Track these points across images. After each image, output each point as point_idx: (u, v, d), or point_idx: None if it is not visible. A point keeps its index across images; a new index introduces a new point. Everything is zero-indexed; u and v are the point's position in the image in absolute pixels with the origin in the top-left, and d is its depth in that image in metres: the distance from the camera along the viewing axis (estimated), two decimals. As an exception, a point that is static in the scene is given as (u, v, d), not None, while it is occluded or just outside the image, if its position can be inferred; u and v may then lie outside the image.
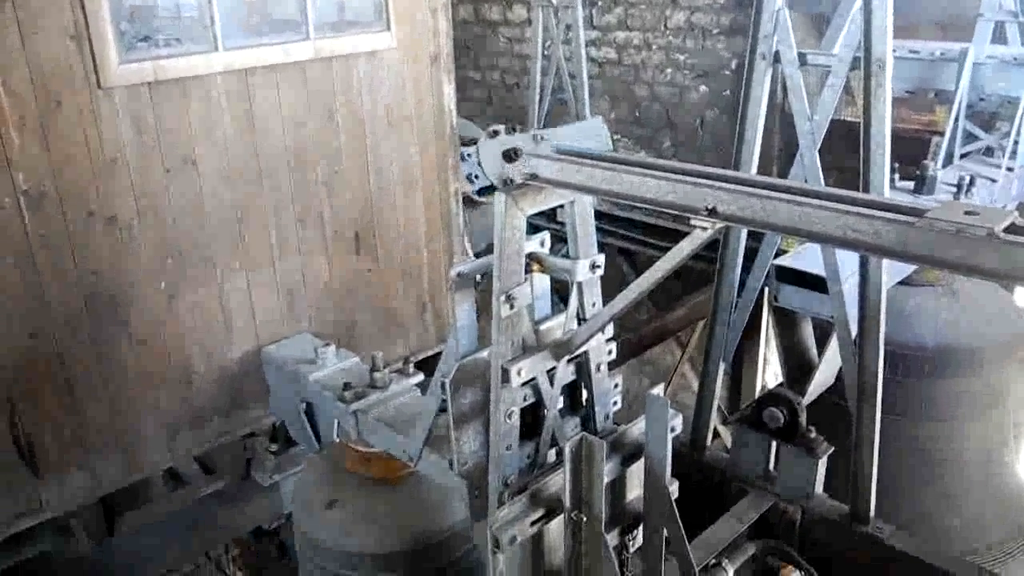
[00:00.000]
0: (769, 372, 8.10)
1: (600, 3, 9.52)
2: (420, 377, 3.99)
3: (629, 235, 8.33)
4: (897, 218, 1.99)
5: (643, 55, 9.33)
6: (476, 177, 2.48)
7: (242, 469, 4.92)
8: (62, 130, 3.73)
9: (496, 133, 2.59)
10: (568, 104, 8.60)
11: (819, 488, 4.38)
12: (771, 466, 4.60)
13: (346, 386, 3.82)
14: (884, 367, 4.10)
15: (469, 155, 2.51)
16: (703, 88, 8.92)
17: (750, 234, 4.58)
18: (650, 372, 9.70)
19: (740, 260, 4.53)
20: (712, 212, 2.28)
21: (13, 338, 3.77)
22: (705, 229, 2.30)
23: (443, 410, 3.14)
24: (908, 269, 5.32)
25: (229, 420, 4.60)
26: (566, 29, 8.29)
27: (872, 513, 4.23)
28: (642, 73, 9.41)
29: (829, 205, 2.12)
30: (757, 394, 7.35)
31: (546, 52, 8.61)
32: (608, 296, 2.93)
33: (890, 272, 4.06)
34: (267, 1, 4.75)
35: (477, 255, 5.49)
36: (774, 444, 4.54)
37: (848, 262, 4.29)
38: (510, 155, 2.53)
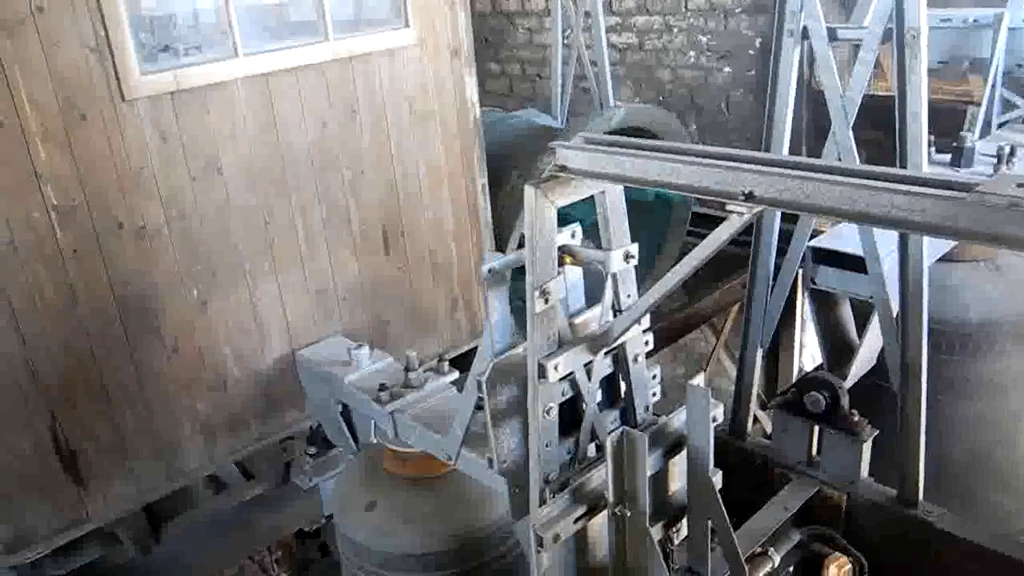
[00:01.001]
0: (806, 356, 7.98)
1: (619, -12, 9.43)
2: (455, 375, 3.95)
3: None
4: (945, 194, 1.92)
5: (665, 39, 9.22)
6: None
7: (281, 473, 4.92)
8: (88, 143, 3.74)
9: None
10: (591, 92, 8.51)
11: (864, 472, 4.29)
12: (814, 451, 4.51)
13: (382, 387, 3.80)
14: (927, 345, 4.00)
15: None
16: (727, 69, 8.80)
17: (783, 216, 4.49)
18: (684, 359, 9.61)
19: (775, 243, 4.44)
20: (749, 196, 2.22)
21: (51, 350, 3.79)
22: (742, 214, 2.23)
23: (480, 408, 3.10)
24: (948, 245, 5.20)
25: (266, 424, 4.61)
26: (585, 16, 8.19)
27: (920, 496, 4.14)
28: (664, 57, 9.30)
29: (871, 184, 2.06)
30: (795, 378, 7.25)
31: (566, 41, 8.52)
32: (639, 286, 2.89)
33: (930, 248, 3.96)
34: (284, 5, 4.74)
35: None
36: (816, 429, 4.45)
37: (887, 240, 4.20)
38: None
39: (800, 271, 4.75)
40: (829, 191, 2.11)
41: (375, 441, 4.09)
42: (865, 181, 2.08)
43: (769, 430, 5.70)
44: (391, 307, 4.98)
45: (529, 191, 2.46)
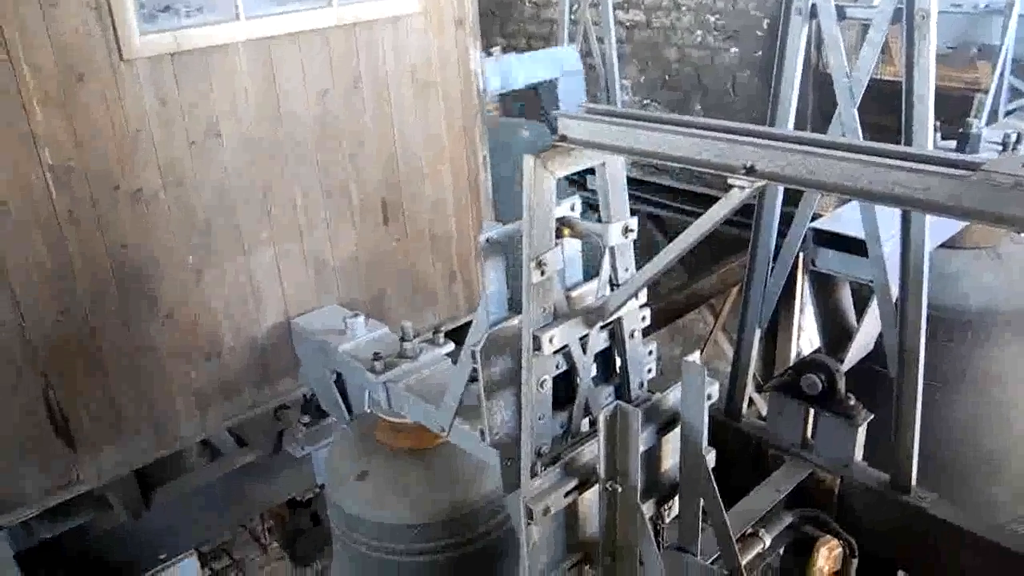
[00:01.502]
0: (804, 338, 7.97)
1: (628, -35, 9.34)
2: (451, 347, 3.93)
3: (659, 200, 8.20)
4: (950, 172, 1.89)
5: (672, 17, 9.14)
6: None
7: (274, 441, 4.91)
8: (86, 104, 3.69)
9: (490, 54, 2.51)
10: (596, 69, 8.47)
11: (858, 456, 4.29)
12: (809, 434, 4.51)
13: (376, 356, 3.77)
14: (926, 332, 3.98)
15: None
16: (734, 50, 8.73)
17: (784, 198, 4.46)
18: (682, 340, 9.61)
19: (776, 223, 4.41)
20: (750, 170, 2.19)
21: (44, 314, 3.76)
22: (743, 188, 2.21)
23: (474, 379, 3.08)
24: (950, 231, 5.17)
25: (260, 392, 4.59)
26: (593, -8, 8.16)
27: (914, 482, 4.13)
28: (672, 36, 9.22)
29: (876, 160, 2.03)
30: (792, 361, 7.24)
31: (573, 16, 8.47)
32: (638, 263, 2.86)
33: (932, 233, 3.93)
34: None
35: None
36: (812, 411, 4.45)
37: (888, 224, 4.17)
38: None
39: (800, 253, 4.72)
40: (832, 166, 2.08)
41: (368, 411, 4.08)
42: (869, 157, 2.06)
43: (765, 412, 5.69)
44: (389, 279, 4.95)
45: (528, 160, 2.43)
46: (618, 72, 8.21)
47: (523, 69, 7.52)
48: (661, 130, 2.33)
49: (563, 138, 2.45)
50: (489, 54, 5.35)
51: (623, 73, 8.59)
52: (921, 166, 1.97)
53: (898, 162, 2.00)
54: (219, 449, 4.98)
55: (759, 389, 7.46)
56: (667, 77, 9.42)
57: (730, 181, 2.21)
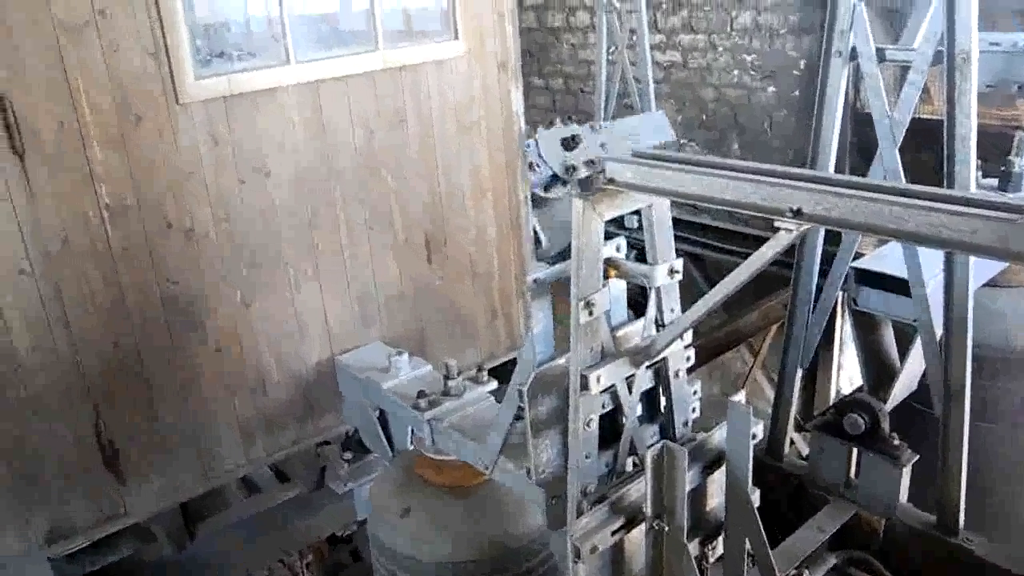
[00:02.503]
0: (843, 378, 7.91)
1: (664, 6, 9.43)
2: (494, 385, 3.97)
3: (696, 239, 8.23)
4: (996, 215, 1.91)
5: (709, 57, 9.21)
6: (537, 166, 2.46)
7: (316, 477, 4.96)
8: (142, 144, 3.81)
9: (552, 124, 2.57)
10: (634, 108, 8.55)
11: (903, 497, 4.25)
12: (852, 474, 4.47)
13: (420, 394, 3.82)
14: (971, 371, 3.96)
15: (529, 145, 2.49)
16: (771, 89, 8.77)
17: (825, 236, 4.47)
18: (720, 378, 9.56)
19: (817, 263, 4.42)
20: (798, 213, 2.22)
21: (98, 346, 3.86)
22: (790, 231, 2.24)
23: (519, 418, 3.12)
24: (993, 271, 5.14)
25: (303, 428, 4.65)
26: (630, 33, 8.25)
27: (961, 524, 4.08)
28: (708, 75, 9.29)
29: (921, 204, 2.05)
30: (831, 400, 7.18)
31: (611, 57, 8.58)
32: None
33: (976, 273, 3.92)
34: (336, 14, 4.81)
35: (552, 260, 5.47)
36: (855, 451, 4.42)
37: (931, 263, 4.17)
38: (568, 143, 2.51)
39: (841, 292, 4.72)
40: (879, 210, 2.10)
41: (411, 448, 4.12)
42: (914, 201, 2.08)
43: (804, 452, 5.66)
44: (431, 315, 5.01)
45: (577, 203, 2.48)
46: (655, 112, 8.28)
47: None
48: (708, 174, 2.37)
49: (611, 181, 2.50)
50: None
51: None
52: (967, 209, 1.99)
53: (944, 205, 2.02)
54: (257, 485, 5.03)
55: (798, 429, 7.40)
56: (704, 116, 9.48)
57: (777, 224, 2.24)
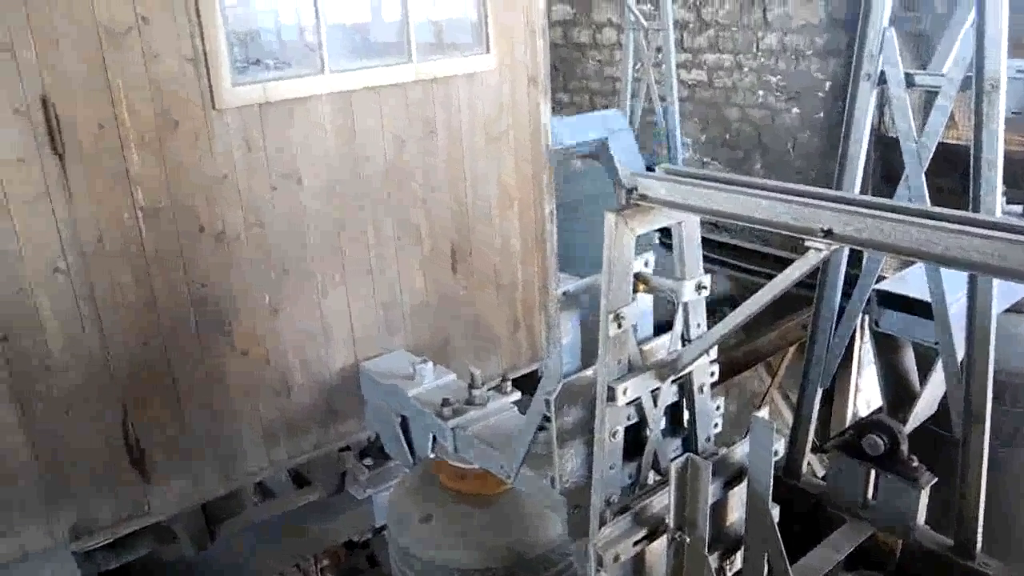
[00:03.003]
0: (860, 400, 7.91)
1: (691, 25, 9.49)
2: (517, 395, 4.01)
3: (715, 257, 8.26)
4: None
5: (734, 77, 9.26)
6: None
7: (336, 482, 5.01)
8: (178, 148, 3.88)
9: None
10: (658, 125, 8.61)
11: (921, 520, 4.25)
12: (869, 495, 4.48)
13: (445, 402, 3.87)
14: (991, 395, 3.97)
15: None
16: (795, 110, 8.81)
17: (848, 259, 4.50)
18: (737, 396, 9.57)
19: (840, 284, 4.45)
20: (828, 233, 2.26)
21: (129, 346, 3.92)
22: (820, 251, 2.28)
23: (542, 428, 3.16)
24: (1016, 295, 5.15)
25: (325, 432, 4.70)
26: (656, 52, 8.32)
27: (978, 548, 4.09)
28: (733, 95, 9.33)
29: (951, 227, 2.09)
30: (848, 422, 7.18)
31: (636, 74, 8.64)
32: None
33: (999, 297, 3.94)
34: (371, 26, 4.89)
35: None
36: (873, 472, 4.43)
37: (953, 287, 4.18)
38: None
39: (862, 314, 4.74)
40: (908, 232, 2.14)
41: (432, 456, 4.16)
42: (944, 224, 2.11)
43: (820, 473, 5.66)
44: (454, 324, 5.06)
45: (610, 218, 2.53)
46: (679, 130, 8.33)
47: (569, 130, 7.59)
48: (740, 192, 2.41)
49: (644, 197, 2.55)
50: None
51: (684, 131, 8.71)
52: (996, 233, 2.03)
53: (973, 228, 2.05)
54: (272, 490, 5.07)
55: (814, 450, 7.40)
56: (727, 136, 9.52)
57: (807, 243, 2.28)
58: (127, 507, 4.15)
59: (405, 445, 4.38)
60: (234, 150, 4.05)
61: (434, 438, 4.11)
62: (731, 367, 7.12)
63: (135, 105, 3.72)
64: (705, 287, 2.86)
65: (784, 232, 2.36)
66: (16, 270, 3.58)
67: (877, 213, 2.21)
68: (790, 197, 2.35)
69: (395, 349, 4.79)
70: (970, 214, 2.17)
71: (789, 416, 7.88)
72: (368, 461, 4.84)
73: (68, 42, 3.49)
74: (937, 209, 2.25)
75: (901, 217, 2.18)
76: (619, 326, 2.64)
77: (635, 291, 2.79)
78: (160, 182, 3.87)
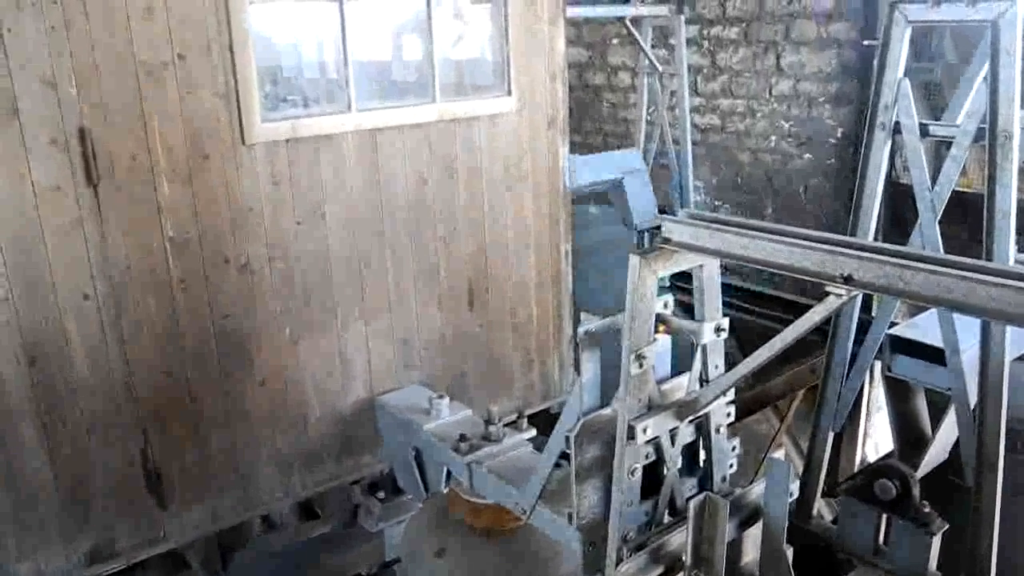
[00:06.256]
0: (869, 445, 7.89)
1: (705, 70, 9.64)
2: (532, 432, 4.05)
3: (730, 301, 8.29)
4: (1043, 290, 2.00)
5: (747, 122, 9.39)
6: None
7: (347, 514, 5.03)
8: (207, 181, 3.98)
9: None
10: (670, 168, 8.71)
11: (933, 566, 4.26)
12: (880, 540, 4.49)
13: (462, 437, 3.91)
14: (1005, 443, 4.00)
15: None
16: (807, 156, 8.91)
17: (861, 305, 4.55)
18: (745, 439, 9.54)
19: (854, 329, 4.50)
20: (848, 279, 2.32)
21: (152, 373, 3.99)
22: (840, 296, 2.34)
23: (558, 465, 3.21)
24: (1028, 344, 5.18)
25: (340, 465, 4.74)
26: (670, 95, 8.44)
27: (990, 596, 4.09)
28: (745, 140, 9.45)
29: (968, 275, 2.15)
30: (856, 467, 7.17)
31: (650, 117, 8.76)
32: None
33: (1012, 345, 3.99)
34: (396, 66, 5.01)
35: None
36: (884, 517, 4.44)
37: (966, 333, 4.23)
38: None
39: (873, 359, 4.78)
40: (927, 279, 2.20)
41: (445, 490, 4.19)
42: (960, 272, 2.18)
43: (828, 517, 5.66)
44: (469, 362, 5.12)
45: (634, 260, 2.60)
46: (692, 173, 8.43)
47: (588, 168, 7.68)
48: (761, 238, 2.48)
49: (667, 240, 2.62)
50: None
51: (696, 174, 8.81)
52: (1011, 282, 2.09)
53: (989, 277, 2.12)
54: (275, 522, 5.06)
55: (823, 494, 7.38)
56: (739, 179, 9.62)
57: (828, 289, 2.34)
58: (144, 532, 4.19)
59: (419, 479, 4.41)
60: (261, 184, 4.15)
61: (448, 473, 4.15)
62: (739, 410, 7.12)
63: (168, 138, 3.82)
64: (723, 329, 2.92)
65: (804, 278, 2.42)
66: (47, 295, 3.66)
67: (896, 260, 2.27)
68: (811, 243, 2.41)
69: (410, 384, 4.84)
70: (986, 263, 2.23)
71: (798, 460, 7.88)
72: (381, 494, 4.87)
73: (107, 76, 3.60)
74: (952, 257, 2.31)
75: (919, 265, 2.24)
76: (640, 366, 2.70)
77: (655, 331, 2.85)
78: (189, 213, 3.97)
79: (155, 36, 3.69)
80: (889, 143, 4.26)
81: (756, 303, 8.21)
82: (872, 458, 7.28)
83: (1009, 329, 3.86)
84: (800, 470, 5.27)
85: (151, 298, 3.94)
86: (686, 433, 3.00)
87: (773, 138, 9.17)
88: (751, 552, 3.06)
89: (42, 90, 3.46)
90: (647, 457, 2.89)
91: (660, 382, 2.98)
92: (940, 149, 6.79)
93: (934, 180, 4.24)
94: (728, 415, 3.10)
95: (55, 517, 3.90)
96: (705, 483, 3.14)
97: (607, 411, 2.94)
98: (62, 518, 3.92)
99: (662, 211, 6.25)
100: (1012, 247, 3.85)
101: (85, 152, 3.62)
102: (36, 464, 3.79)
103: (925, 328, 4.72)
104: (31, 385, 3.72)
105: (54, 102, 3.49)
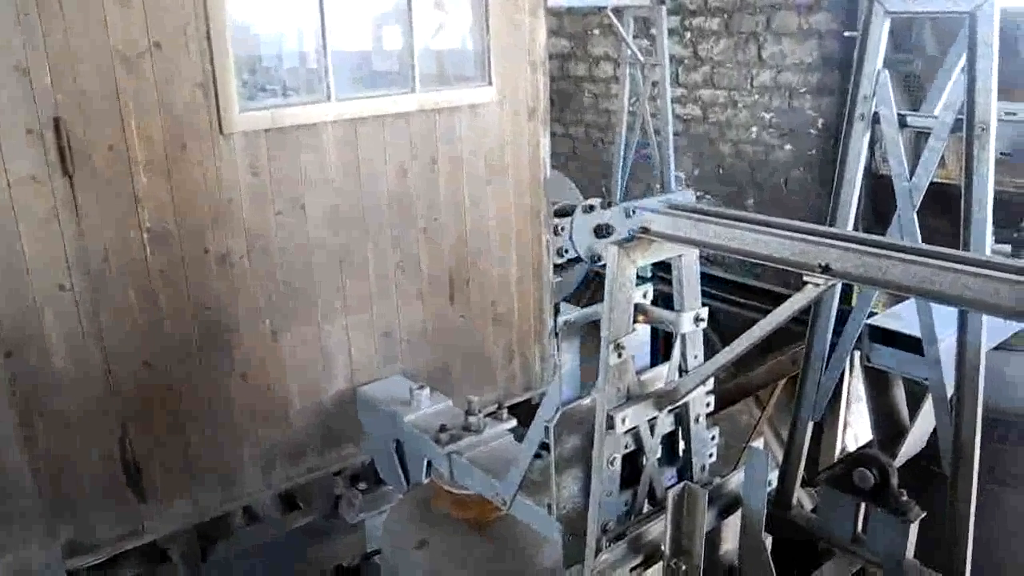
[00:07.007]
0: (849, 435, 7.95)
1: (687, 61, 9.64)
2: (513, 423, 4.05)
3: (712, 292, 8.32)
4: (1016, 279, 2.02)
5: (728, 113, 9.40)
6: (566, 251, 2.52)
7: (329, 506, 5.02)
8: (185, 172, 3.95)
9: (591, 208, 2.68)
10: (652, 159, 8.71)
11: (910, 554, 4.29)
12: (859, 528, 4.52)
13: (442, 428, 3.91)
14: (981, 432, 4.02)
15: (562, 229, 2.59)
16: (788, 147, 8.94)
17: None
18: (726, 429, 9.59)
19: (833, 319, 4.51)
20: (826, 269, 2.33)
21: (131, 366, 3.96)
22: (818, 286, 2.35)
23: (538, 456, 3.21)
24: (1006, 333, 5.22)
25: (322, 456, 4.73)
26: (652, 86, 8.43)
27: (967, 583, 4.12)
28: (727, 131, 9.47)
29: (946, 265, 2.16)
30: (836, 456, 7.22)
31: (631, 108, 8.75)
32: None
33: (989, 334, 4.01)
34: (376, 56, 4.98)
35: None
36: (863, 506, 4.46)
37: (944, 323, 4.25)
38: (601, 231, 2.62)
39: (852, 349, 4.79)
40: (905, 269, 2.21)
41: (426, 481, 4.19)
42: (938, 262, 2.19)
43: (808, 506, 5.69)
44: (451, 354, 5.11)
45: (612, 250, 2.60)
46: (673, 164, 8.43)
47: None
48: (740, 227, 2.48)
49: (646, 230, 2.62)
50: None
51: (678, 165, 8.81)
52: (990, 272, 2.11)
53: (966, 267, 2.13)
54: (257, 513, 5.05)
55: (803, 483, 7.43)
56: (721, 171, 9.64)
57: (806, 279, 2.35)
58: (124, 525, 4.17)
59: (400, 470, 4.41)
60: (240, 175, 4.12)
61: (429, 464, 4.14)
62: (720, 400, 7.15)
63: (145, 128, 3.79)
64: (703, 319, 2.93)
65: (783, 267, 2.43)
66: (23, 287, 3.63)
67: (874, 250, 2.29)
68: (789, 233, 2.42)
69: (391, 376, 4.83)
70: (963, 253, 2.25)
71: (778, 450, 7.93)
72: (362, 486, 4.86)
73: (83, 65, 3.57)
74: (929, 247, 2.32)
75: (897, 254, 2.25)
76: (619, 355, 2.70)
77: (634, 322, 2.85)
78: (167, 204, 3.94)
79: (131, 24, 3.65)
80: (868, 134, 4.26)
81: (738, 293, 8.25)
82: (851, 447, 7.33)
83: (986, 318, 3.87)
84: (780, 459, 5.29)
85: (130, 290, 3.92)
86: (665, 423, 3.01)
87: (754, 129, 9.19)
88: (731, 541, 3.08)
89: (16, 78, 3.42)
90: (626, 447, 2.89)
91: (639, 372, 2.99)
92: (920, 140, 6.83)
93: (912, 171, 4.25)
94: (708, 405, 3.12)
95: (34, 509, 3.87)
96: (684, 473, 3.16)
97: (587, 401, 2.94)
98: (41, 510, 3.89)
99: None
100: (989, 237, 3.87)
101: (60, 142, 3.59)
102: (14, 456, 3.76)
103: (904, 318, 4.74)
104: (9, 378, 3.68)
105: (28, 91, 3.45)
